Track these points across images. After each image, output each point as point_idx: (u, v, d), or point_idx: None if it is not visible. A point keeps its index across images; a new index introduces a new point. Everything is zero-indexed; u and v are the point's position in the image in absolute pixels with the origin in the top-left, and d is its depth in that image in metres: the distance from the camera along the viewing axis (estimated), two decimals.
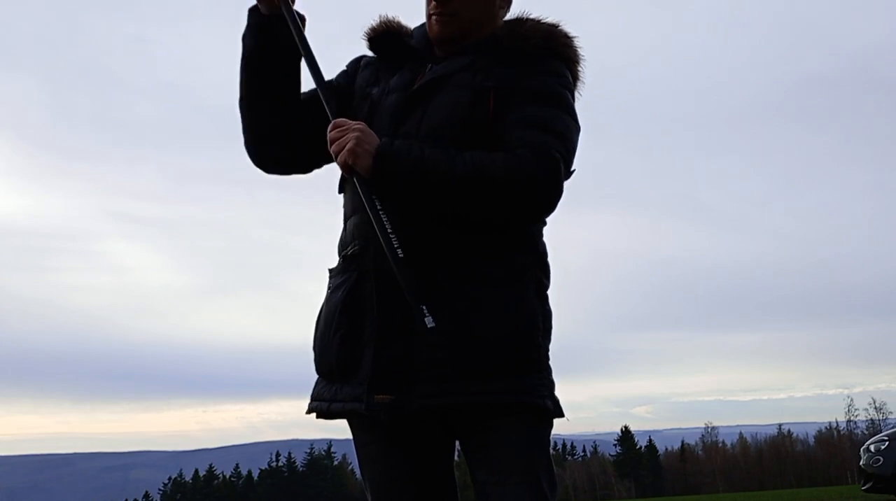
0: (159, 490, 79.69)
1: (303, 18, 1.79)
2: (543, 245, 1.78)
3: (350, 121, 1.65)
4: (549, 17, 1.78)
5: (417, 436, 1.72)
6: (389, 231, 1.59)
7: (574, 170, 1.73)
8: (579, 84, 1.80)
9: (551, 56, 1.75)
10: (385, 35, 1.86)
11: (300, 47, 1.76)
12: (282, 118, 1.83)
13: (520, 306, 1.64)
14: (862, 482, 10.46)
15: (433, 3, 1.75)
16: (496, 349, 1.59)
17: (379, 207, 1.60)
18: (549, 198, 1.62)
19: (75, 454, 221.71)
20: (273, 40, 1.79)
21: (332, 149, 1.63)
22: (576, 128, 1.72)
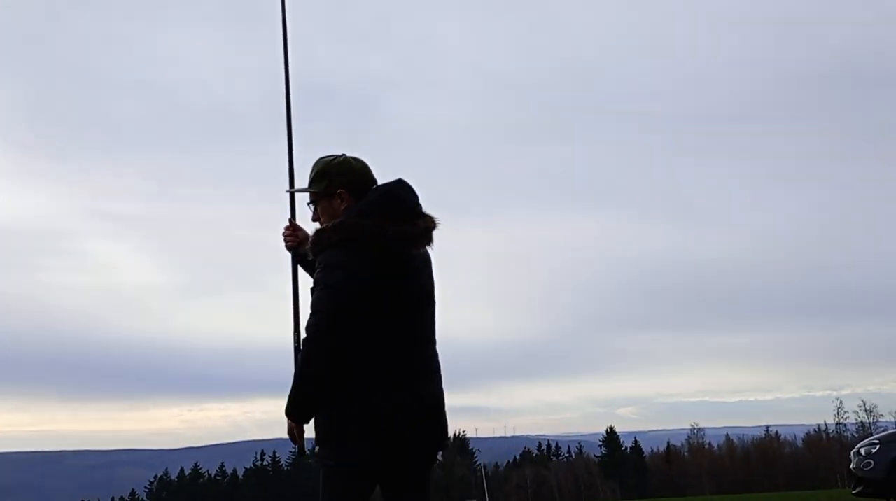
0: (145, 487, 79.54)
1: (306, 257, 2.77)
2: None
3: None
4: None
5: None
6: None
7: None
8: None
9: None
10: None
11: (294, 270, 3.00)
12: None
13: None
14: (852, 485, 10.23)
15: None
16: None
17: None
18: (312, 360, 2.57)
19: (63, 451, 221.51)
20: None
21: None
22: (325, 294, 2.55)
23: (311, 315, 2.53)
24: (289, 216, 3.07)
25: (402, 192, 2.72)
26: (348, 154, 2.85)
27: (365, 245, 2.58)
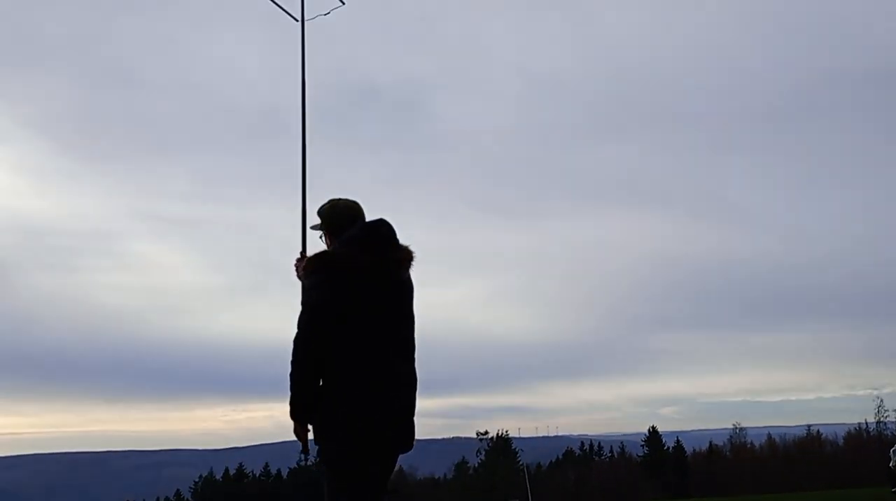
0: (190, 487, 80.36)
1: None
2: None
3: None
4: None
5: None
6: None
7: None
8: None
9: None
10: None
11: None
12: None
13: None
14: (891, 483, 10.60)
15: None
16: None
17: None
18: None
19: (108, 452, 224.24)
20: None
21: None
22: (303, 311, 3.13)
23: (296, 330, 3.11)
24: (300, 250, 3.83)
25: (380, 227, 3.30)
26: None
27: (340, 270, 3.15)
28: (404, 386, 3.26)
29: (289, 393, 3.15)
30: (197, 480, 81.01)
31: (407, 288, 3.35)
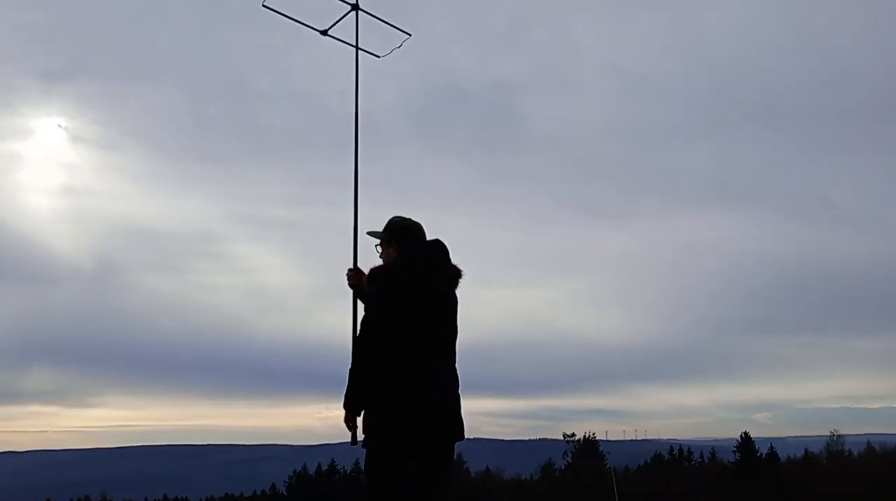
0: (285, 482, 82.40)
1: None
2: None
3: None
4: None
5: None
6: None
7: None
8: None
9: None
10: None
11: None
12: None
13: None
14: None
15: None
16: None
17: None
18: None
19: (208, 445, 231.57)
20: None
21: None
22: (366, 314, 3.67)
23: (360, 332, 3.67)
24: (352, 260, 4.34)
25: (440, 246, 3.86)
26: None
27: (402, 281, 3.67)
28: (450, 385, 3.78)
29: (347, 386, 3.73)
30: (291, 475, 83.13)
31: (454, 303, 3.89)
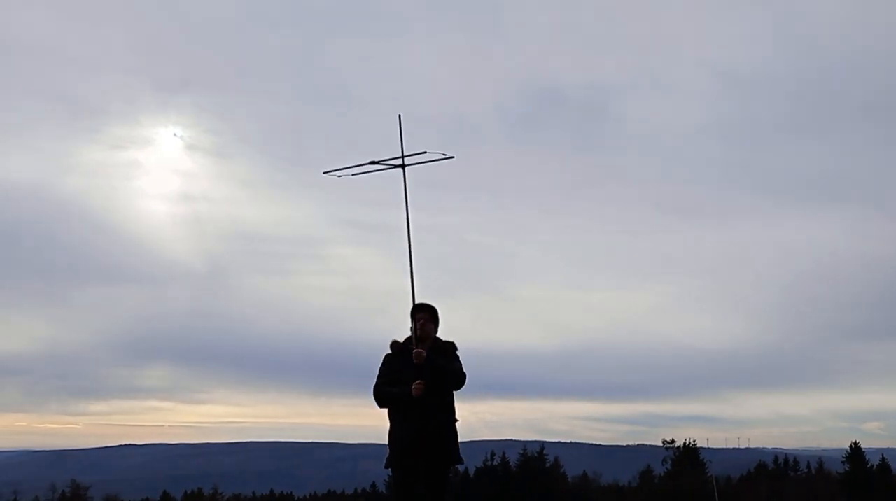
0: (385, 480, 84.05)
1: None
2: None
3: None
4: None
5: None
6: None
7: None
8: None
9: (454, 350, 5.67)
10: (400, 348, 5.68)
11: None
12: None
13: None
14: None
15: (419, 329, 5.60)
16: None
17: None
18: (461, 386, 5.64)
19: (312, 443, 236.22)
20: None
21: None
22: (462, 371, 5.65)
23: (461, 372, 5.60)
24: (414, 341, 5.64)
25: None
26: None
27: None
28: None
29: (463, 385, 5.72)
30: (391, 474, 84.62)
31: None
